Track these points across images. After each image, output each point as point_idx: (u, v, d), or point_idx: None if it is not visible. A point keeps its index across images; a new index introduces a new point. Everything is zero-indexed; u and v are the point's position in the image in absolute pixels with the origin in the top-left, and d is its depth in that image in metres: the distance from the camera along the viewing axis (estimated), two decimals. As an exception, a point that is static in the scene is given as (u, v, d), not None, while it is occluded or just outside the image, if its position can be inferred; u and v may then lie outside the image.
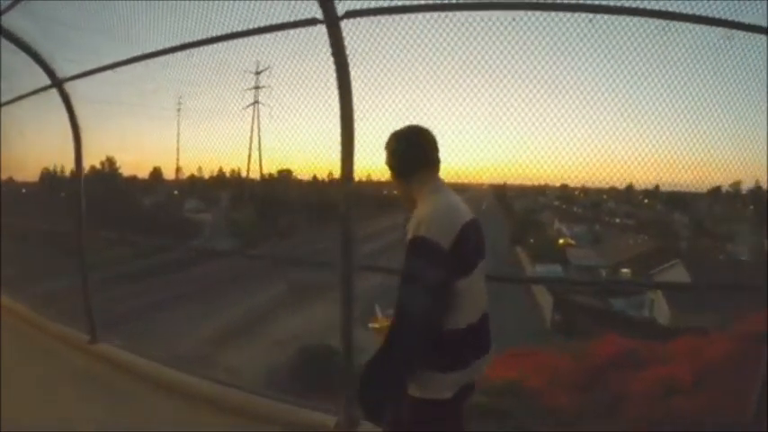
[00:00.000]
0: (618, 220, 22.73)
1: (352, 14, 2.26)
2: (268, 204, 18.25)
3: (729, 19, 2.22)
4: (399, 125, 1.71)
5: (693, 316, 9.34)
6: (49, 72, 3.63)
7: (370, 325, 1.65)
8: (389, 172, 1.71)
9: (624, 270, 14.89)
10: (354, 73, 2.61)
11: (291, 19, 2.41)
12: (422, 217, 1.49)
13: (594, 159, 2.80)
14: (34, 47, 3.52)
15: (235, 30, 2.67)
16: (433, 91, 2.73)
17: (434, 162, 1.65)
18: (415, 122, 1.72)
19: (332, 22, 2.21)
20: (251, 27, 2.58)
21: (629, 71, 2.48)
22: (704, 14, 2.23)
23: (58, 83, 3.65)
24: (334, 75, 2.45)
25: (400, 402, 1.51)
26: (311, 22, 2.29)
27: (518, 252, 18.19)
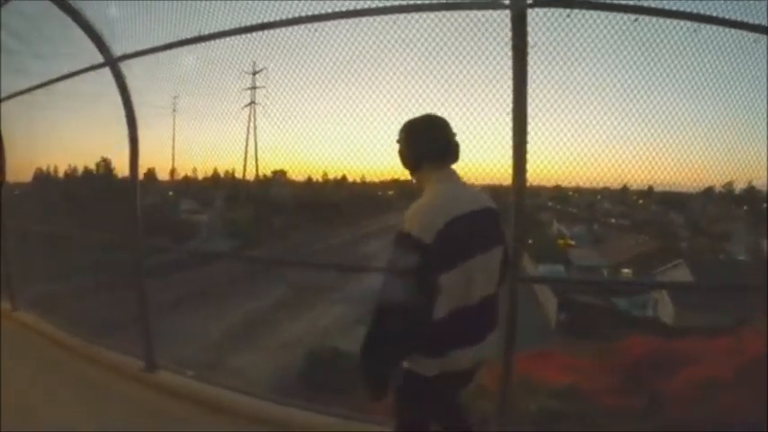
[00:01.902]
0: (613, 221, 22.90)
1: (540, 3, 2.05)
2: (265, 205, 18.08)
3: (729, 18, 2.19)
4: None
5: (699, 316, 9.36)
6: (103, 47, 3.02)
7: None
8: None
9: (625, 270, 14.97)
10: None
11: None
12: (412, 211, 1.51)
13: (588, 160, 2.79)
14: (84, 15, 2.96)
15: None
16: (419, 88, 2.68)
17: (440, 155, 1.62)
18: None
19: (520, 9, 2.03)
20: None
21: (622, 71, 2.47)
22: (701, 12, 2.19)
23: (112, 61, 3.05)
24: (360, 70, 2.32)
25: (390, 379, 1.56)
26: (493, 5, 2.10)
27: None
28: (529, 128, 2.54)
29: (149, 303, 3.31)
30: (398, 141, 1.68)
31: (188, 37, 2.88)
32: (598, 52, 2.34)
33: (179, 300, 9.82)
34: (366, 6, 2.34)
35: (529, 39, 2.09)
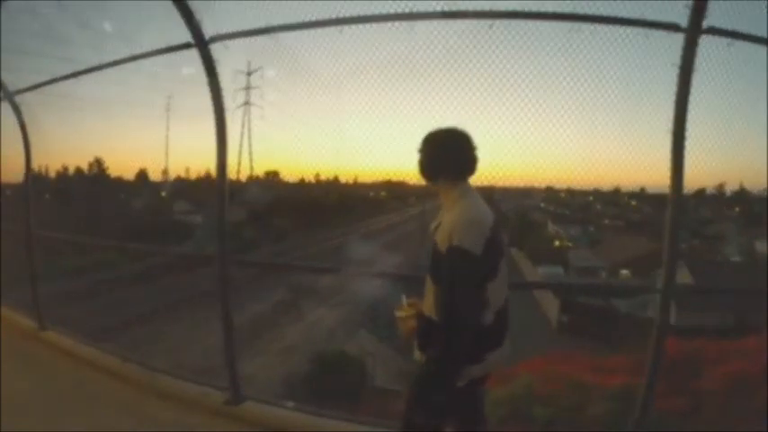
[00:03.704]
0: (607, 222, 23.13)
1: (712, 31, 2.15)
2: (260, 206, 17.88)
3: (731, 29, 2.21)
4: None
5: (701, 316, 9.41)
6: (192, 22, 2.57)
7: (397, 313, 1.71)
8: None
9: (624, 271, 15.05)
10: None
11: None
12: (453, 225, 1.54)
13: (581, 161, 2.82)
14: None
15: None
16: (414, 91, 2.65)
17: (460, 168, 1.65)
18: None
19: (694, 32, 2.14)
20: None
21: (616, 73, 2.44)
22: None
23: (203, 42, 2.62)
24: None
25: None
26: (671, 26, 2.18)
27: (513, 254, 18.15)
28: (506, 129, 2.54)
29: (234, 327, 2.77)
30: (419, 151, 1.70)
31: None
32: (573, 51, 2.35)
33: (175, 302, 9.60)
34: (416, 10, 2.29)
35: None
